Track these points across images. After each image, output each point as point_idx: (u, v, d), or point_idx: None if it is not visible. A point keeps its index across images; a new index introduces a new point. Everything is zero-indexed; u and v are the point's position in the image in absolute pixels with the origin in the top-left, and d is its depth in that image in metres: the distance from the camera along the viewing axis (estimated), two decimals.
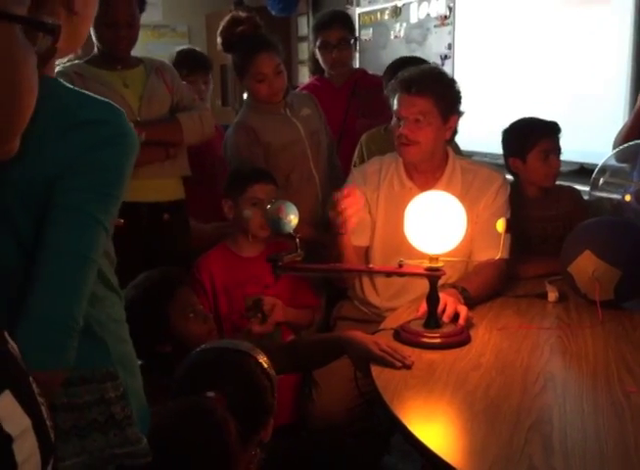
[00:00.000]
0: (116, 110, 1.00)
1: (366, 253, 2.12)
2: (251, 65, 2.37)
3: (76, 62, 2.18)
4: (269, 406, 1.29)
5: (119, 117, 1.00)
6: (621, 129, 2.43)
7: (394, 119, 2.02)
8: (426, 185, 1.99)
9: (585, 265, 1.80)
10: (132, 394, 1.08)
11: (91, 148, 0.96)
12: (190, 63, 2.78)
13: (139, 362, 1.63)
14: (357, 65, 3.36)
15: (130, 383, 1.08)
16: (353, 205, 1.80)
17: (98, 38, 2.18)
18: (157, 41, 5.33)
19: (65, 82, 1.02)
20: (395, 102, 2.00)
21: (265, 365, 1.30)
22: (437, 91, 1.96)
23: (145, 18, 2.27)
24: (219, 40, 2.47)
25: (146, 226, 2.20)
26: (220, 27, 2.47)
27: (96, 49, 2.24)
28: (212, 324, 1.75)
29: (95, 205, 0.97)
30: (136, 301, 1.62)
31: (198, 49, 3.10)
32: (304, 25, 5.52)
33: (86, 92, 1.02)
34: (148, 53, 2.40)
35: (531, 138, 2.24)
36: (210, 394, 1.18)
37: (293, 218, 1.66)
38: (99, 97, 1.01)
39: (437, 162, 2.07)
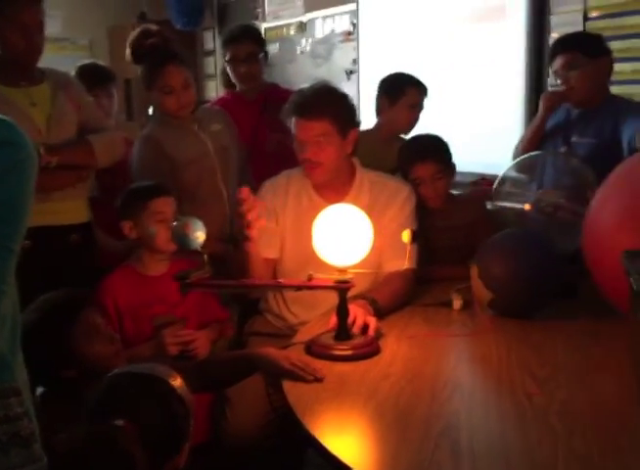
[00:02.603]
0: (18, 128, 0.96)
1: (276, 267, 2.12)
2: (158, 76, 2.35)
3: None
4: (183, 433, 1.26)
5: (22, 136, 0.96)
6: (520, 141, 2.54)
7: (295, 143, 2.03)
8: (334, 199, 2.01)
9: (474, 277, 1.91)
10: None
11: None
12: (91, 77, 2.70)
13: (42, 390, 1.58)
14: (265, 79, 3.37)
15: (29, 406, 1.03)
16: (253, 208, 1.77)
17: (7, 46, 2.05)
18: (57, 54, 5.13)
19: None
20: (292, 126, 2.01)
21: (180, 391, 1.26)
22: (333, 112, 1.97)
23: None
24: (128, 51, 2.44)
25: (53, 249, 2.13)
26: (130, 38, 2.45)
27: None
28: (119, 345, 1.69)
29: (5, 233, 0.94)
30: (37, 324, 1.55)
31: (100, 62, 3.02)
32: (210, 40, 5.49)
33: None
34: (48, 66, 2.30)
35: (405, 166, 2.30)
36: (119, 422, 1.14)
37: (200, 235, 1.64)
38: None
39: (344, 176, 2.09)
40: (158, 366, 1.32)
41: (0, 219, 0.94)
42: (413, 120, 2.78)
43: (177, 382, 1.28)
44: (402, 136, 2.79)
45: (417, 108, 2.76)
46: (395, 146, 2.67)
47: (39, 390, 1.59)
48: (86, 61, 2.95)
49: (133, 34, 2.45)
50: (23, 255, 2.09)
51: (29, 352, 1.52)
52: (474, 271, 1.90)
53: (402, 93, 2.71)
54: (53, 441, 1.08)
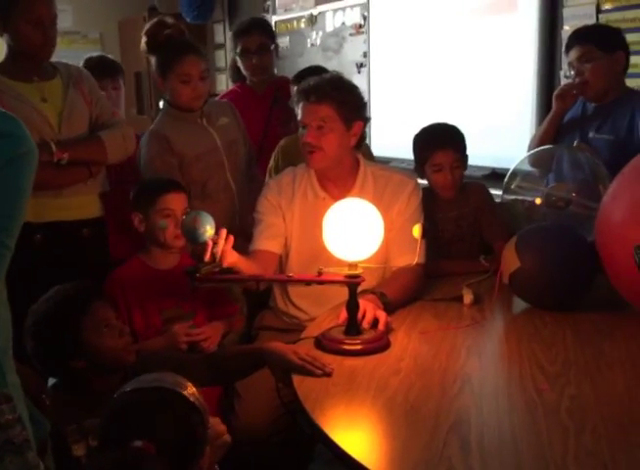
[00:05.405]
0: (17, 121, 0.95)
1: (284, 264, 2.12)
2: (178, 64, 2.33)
3: None
4: (202, 438, 1.24)
5: (23, 130, 0.95)
6: (534, 136, 2.52)
7: (300, 129, 2.02)
8: (339, 194, 2.00)
9: (508, 246, 1.92)
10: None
11: None
12: (98, 70, 2.70)
13: (53, 381, 1.58)
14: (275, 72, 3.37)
15: (22, 411, 1.02)
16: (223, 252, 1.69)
17: (21, 39, 2.04)
18: (67, 48, 5.17)
19: None
20: (299, 111, 2.01)
21: (192, 399, 1.23)
22: (337, 98, 1.97)
23: None
24: (144, 39, 2.42)
25: (65, 244, 2.14)
26: (146, 27, 2.44)
27: (6, 55, 2.11)
28: (129, 338, 1.70)
29: (1, 227, 0.92)
30: (47, 315, 1.56)
31: (108, 56, 3.01)
32: (221, 33, 5.49)
33: None
34: (59, 60, 2.29)
35: (425, 152, 2.28)
36: (137, 443, 1.10)
37: (209, 229, 1.64)
38: None
39: (347, 169, 2.08)
40: (165, 376, 1.27)
41: None
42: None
43: (188, 390, 1.25)
44: None
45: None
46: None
47: (51, 381, 1.61)
48: (93, 54, 2.94)
49: (149, 23, 2.44)
50: (36, 249, 2.12)
51: (40, 341, 1.55)
52: (511, 240, 1.92)
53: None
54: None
